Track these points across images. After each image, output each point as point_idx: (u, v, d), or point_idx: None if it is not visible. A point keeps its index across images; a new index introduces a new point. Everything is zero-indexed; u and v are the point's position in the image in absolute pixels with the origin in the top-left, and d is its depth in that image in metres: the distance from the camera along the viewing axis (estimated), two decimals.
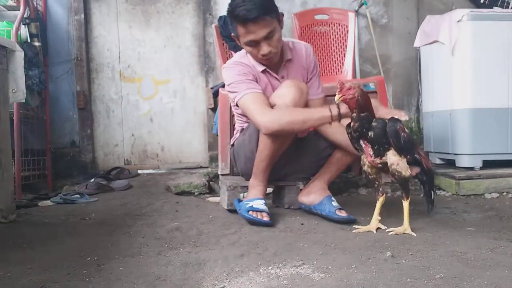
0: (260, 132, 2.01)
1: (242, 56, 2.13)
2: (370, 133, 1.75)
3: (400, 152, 1.76)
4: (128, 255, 1.58)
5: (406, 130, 1.77)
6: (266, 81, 2.09)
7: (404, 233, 1.77)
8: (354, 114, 1.74)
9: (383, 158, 1.77)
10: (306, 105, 2.01)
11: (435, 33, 3.14)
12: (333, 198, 2.10)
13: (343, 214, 2.01)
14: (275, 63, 2.09)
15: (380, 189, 1.87)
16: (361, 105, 1.73)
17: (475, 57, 2.91)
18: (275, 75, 2.09)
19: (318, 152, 2.19)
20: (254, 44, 1.97)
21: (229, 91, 2.10)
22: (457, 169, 2.97)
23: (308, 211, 2.15)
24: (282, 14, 2.05)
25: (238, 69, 2.06)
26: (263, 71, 2.08)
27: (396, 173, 1.77)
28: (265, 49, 1.96)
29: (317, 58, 2.26)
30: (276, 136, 1.96)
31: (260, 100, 1.94)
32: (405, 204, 1.81)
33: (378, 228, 1.84)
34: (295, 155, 2.21)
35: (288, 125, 1.90)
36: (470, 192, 2.71)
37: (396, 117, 1.78)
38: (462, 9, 3.02)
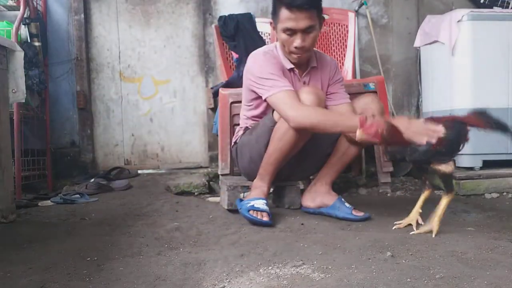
0: (271, 136, 2.02)
1: (271, 49, 2.12)
2: (408, 159, 1.69)
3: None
4: (128, 255, 1.58)
5: (443, 137, 1.65)
6: (290, 80, 2.09)
7: (427, 232, 1.73)
8: (383, 147, 1.69)
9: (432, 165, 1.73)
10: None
11: (435, 33, 3.14)
12: (343, 199, 2.11)
13: (359, 214, 2.05)
14: (301, 65, 2.10)
15: (427, 183, 1.82)
16: (387, 140, 1.64)
17: (475, 57, 2.91)
18: (299, 77, 2.10)
19: (319, 151, 2.19)
20: (291, 33, 1.95)
21: (255, 83, 2.05)
22: (457, 169, 2.96)
23: (317, 214, 2.15)
24: (324, 19, 2.05)
25: (272, 62, 2.03)
26: (290, 69, 2.08)
27: (437, 172, 1.71)
28: (298, 41, 1.95)
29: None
30: (290, 138, 1.96)
31: (294, 97, 1.93)
32: (444, 200, 1.73)
33: (417, 222, 1.81)
34: (296, 154, 2.21)
35: (319, 123, 1.88)
36: (470, 192, 2.72)
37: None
38: (462, 9, 3.02)
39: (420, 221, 1.83)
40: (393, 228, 1.83)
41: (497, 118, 1.77)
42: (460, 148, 1.73)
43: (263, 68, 2.03)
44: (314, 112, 1.89)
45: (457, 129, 1.70)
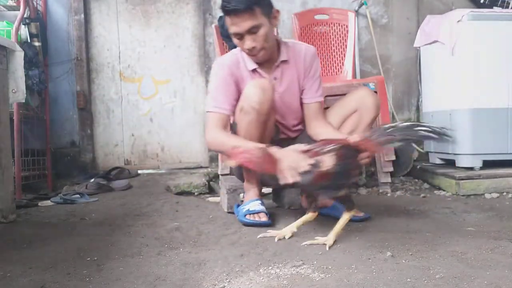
0: None
1: (237, 52, 2.12)
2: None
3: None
4: (128, 255, 1.58)
5: (327, 171, 1.54)
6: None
7: (321, 244, 1.62)
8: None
9: None
10: (271, 103, 1.96)
11: (435, 33, 3.14)
12: (342, 203, 2.10)
13: (360, 214, 2.03)
14: (268, 62, 2.08)
15: (313, 205, 1.74)
16: (260, 169, 1.58)
17: (475, 57, 2.91)
18: (265, 76, 2.07)
19: None
20: (239, 37, 1.95)
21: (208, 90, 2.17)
22: (457, 169, 2.97)
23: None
24: (277, 11, 2.00)
25: (221, 74, 2.05)
26: (253, 70, 2.07)
27: None
28: (248, 43, 1.94)
29: (319, 60, 2.23)
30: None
31: (215, 120, 1.99)
32: (344, 217, 1.67)
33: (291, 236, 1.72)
34: None
35: (219, 151, 2.14)
36: (470, 192, 2.71)
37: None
38: (462, 9, 3.02)
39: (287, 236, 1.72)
40: (258, 236, 1.73)
41: (396, 132, 1.63)
42: (351, 179, 1.63)
43: (212, 80, 2.09)
44: (217, 139, 1.97)
45: (347, 162, 1.59)
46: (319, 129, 2.05)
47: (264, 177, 1.64)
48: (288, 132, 2.19)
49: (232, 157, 1.58)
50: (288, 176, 1.56)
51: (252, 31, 1.91)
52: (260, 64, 2.06)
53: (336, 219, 2.05)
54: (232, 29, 1.93)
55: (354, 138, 1.68)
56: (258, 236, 1.74)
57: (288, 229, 1.74)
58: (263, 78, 2.06)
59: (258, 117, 1.91)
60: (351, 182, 1.66)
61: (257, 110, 1.89)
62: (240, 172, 2.18)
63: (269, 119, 1.99)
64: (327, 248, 1.58)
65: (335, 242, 1.64)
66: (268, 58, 2.05)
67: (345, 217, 1.68)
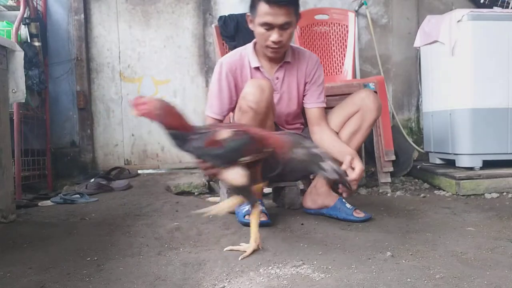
0: None
1: (241, 49, 2.13)
2: (192, 153, 1.55)
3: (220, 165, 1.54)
4: (128, 255, 1.58)
5: (221, 140, 1.51)
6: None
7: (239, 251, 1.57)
8: (166, 131, 1.54)
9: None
10: (269, 102, 1.96)
11: (435, 33, 3.14)
12: (344, 200, 2.11)
13: (361, 214, 2.04)
14: (273, 62, 2.10)
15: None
16: (163, 120, 1.51)
17: (475, 57, 2.91)
18: (267, 76, 2.09)
19: None
20: (268, 28, 1.96)
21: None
22: (457, 169, 2.97)
23: (319, 215, 2.15)
24: (300, 16, 2.05)
25: (218, 78, 2.08)
26: (256, 68, 2.09)
27: (226, 181, 1.57)
28: (275, 36, 1.96)
29: (322, 68, 2.24)
30: None
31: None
32: (251, 218, 1.60)
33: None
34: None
35: None
36: (470, 192, 2.71)
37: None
38: (462, 9, 3.02)
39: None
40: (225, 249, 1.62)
41: (311, 150, 1.57)
42: (237, 160, 1.53)
43: (213, 82, 2.12)
44: None
45: (244, 141, 1.53)
46: (323, 135, 2.06)
47: (169, 133, 1.53)
48: None
49: (133, 107, 1.51)
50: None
51: (284, 26, 1.96)
52: (265, 62, 2.08)
53: (337, 219, 2.06)
54: (266, 18, 1.94)
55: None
56: (225, 249, 1.62)
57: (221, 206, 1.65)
58: (264, 77, 2.08)
59: (256, 116, 1.91)
60: (236, 162, 1.53)
61: (255, 109, 1.90)
62: None
63: (267, 118, 1.99)
64: (239, 258, 1.51)
65: (334, 243, 1.64)
66: (278, 57, 2.08)
67: (252, 217, 1.59)
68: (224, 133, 1.53)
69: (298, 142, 1.60)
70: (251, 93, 1.91)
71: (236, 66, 2.08)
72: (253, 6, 2.01)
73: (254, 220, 1.59)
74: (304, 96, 2.16)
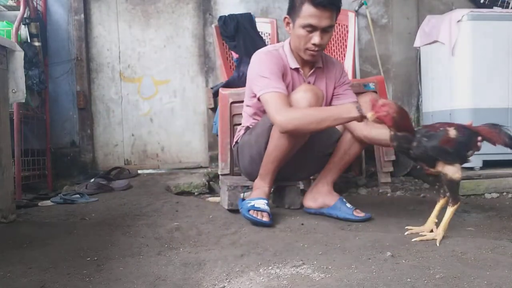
0: (271, 134, 2.01)
1: (277, 47, 2.13)
2: (412, 153, 1.65)
3: (451, 163, 1.66)
4: (128, 255, 1.58)
5: (452, 135, 1.64)
6: (291, 79, 2.09)
7: (430, 239, 1.67)
8: (392, 133, 1.64)
9: (437, 168, 1.67)
10: None
11: (435, 33, 3.14)
12: (344, 200, 2.11)
13: (361, 214, 2.05)
14: (308, 65, 2.12)
15: (441, 191, 1.74)
16: (398, 123, 1.60)
17: (475, 57, 2.91)
18: (304, 77, 2.11)
19: (320, 151, 2.19)
20: (311, 30, 1.96)
21: (253, 81, 2.07)
22: None
23: (319, 214, 2.15)
24: (337, 23, 2.08)
25: (273, 61, 2.04)
26: (295, 69, 2.09)
27: (443, 176, 1.66)
28: (316, 39, 1.96)
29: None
30: (289, 137, 1.95)
31: (282, 100, 1.93)
32: (449, 210, 1.68)
33: (431, 231, 1.73)
34: (297, 155, 2.21)
35: (304, 126, 1.90)
36: (470, 192, 2.71)
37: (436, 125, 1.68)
38: (462, 9, 3.03)
39: (434, 230, 1.73)
40: (406, 233, 1.74)
41: (510, 134, 1.72)
42: (468, 154, 1.70)
43: (263, 66, 2.04)
44: (296, 114, 1.89)
45: (468, 135, 1.68)
46: (372, 130, 2.01)
47: (398, 136, 1.64)
48: None
49: (373, 109, 1.58)
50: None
51: (326, 29, 1.97)
52: (301, 65, 2.10)
53: (337, 218, 2.06)
54: (311, 20, 1.94)
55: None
56: (406, 233, 1.74)
57: (429, 224, 1.75)
58: (303, 79, 2.10)
59: None
60: (467, 156, 1.71)
61: None
62: (253, 169, 2.17)
63: None
64: (437, 244, 1.61)
65: (334, 243, 1.64)
66: (315, 60, 2.09)
67: (450, 210, 1.68)
68: (452, 131, 1.64)
69: (500, 129, 1.73)
70: (307, 98, 1.90)
71: (282, 61, 2.07)
72: (293, 7, 2.00)
73: (449, 215, 1.67)
74: (335, 98, 2.17)
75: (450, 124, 1.71)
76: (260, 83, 2.00)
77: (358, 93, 2.46)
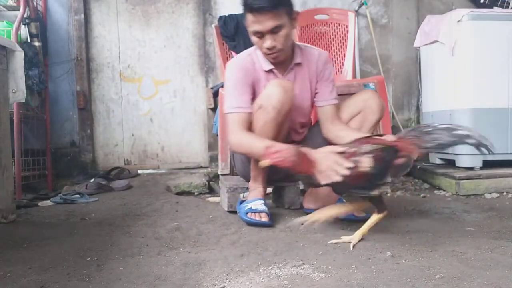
0: None
1: (251, 52, 2.11)
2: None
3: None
4: (128, 255, 1.58)
5: (364, 168, 1.54)
6: (265, 82, 2.06)
7: (346, 242, 1.63)
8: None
9: None
10: (291, 103, 1.95)
11: (435, 33, 3.14)
12: (344, 200, 2.10)
13: (361, 214, 2.02)
14: (283, 64, 2.08)
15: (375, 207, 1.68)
16: (296, 169, 1.57)
17: (475, 57, 2.91)
18: (280, 77, 2.08)
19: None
20: (260, 35, 1.95)
21: (224, 94, 2.10)
22: (457, 169, 2.97)
23: None
24: (297, 13, 2.01)
25: (241, 73, 2.04)
26: (269, 71, 2.07)
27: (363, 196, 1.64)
28: (268, 42, 1.93)
29: (332, 65, 2.22)
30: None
31: (238, 121, 1.97)
32: (374, 217, 1.66)
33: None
34: None
35: (243, 152, 2.04)
36: (470, 192, 2.71)
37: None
38: (462, 9, 3.02)
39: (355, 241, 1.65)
40: (329, 242, 1.66)
41: (435, 136, 1.61)
42: (388, 178, 1.58)
43: (231, 81, 2.06)
44: (242, 141, 1.95)
45: (386, 161, 1.57)
46: (340, 132, 2.01)
47: (298, 177, 1.62)
48: (294, 135, 2.19)
49: (265, 156, 1.57)
50: (330, 177, 1.55)
51: (274, 30, 1.92)
52: (275, 65, 2.06)
53: (338, 219, 2.06)
54: (254, 27, 1.93)
55: (390, 138, 1.66)
56: (329, 242, 1.66)
57: (357, 235, 1.66)
58: (278, 79, 2.06)
59: (277, 117, 1.91)
60: (386, 182, 1.60)
61: (278, 109, 1.89)
62: (245, 171, 2.17)
63: (285, 120, 1.99)
64: (351, 248, 1.58)
65: (334, 243, 1.64)
66: (284, 60, 2.05)
67: (373, 218, 1.66)
68: (365, 163, 1.54)
69: (419, 134, 1.62)
70: (276, 93, 1.89)
71: (252, 68, 2.06)
72: (244, 17, 2.00)
73: (372, 221, 1.65)
74: (315, 94, 2.13)
75: (367, 143, 1.61)
76: (226, 100, 2.05)
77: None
